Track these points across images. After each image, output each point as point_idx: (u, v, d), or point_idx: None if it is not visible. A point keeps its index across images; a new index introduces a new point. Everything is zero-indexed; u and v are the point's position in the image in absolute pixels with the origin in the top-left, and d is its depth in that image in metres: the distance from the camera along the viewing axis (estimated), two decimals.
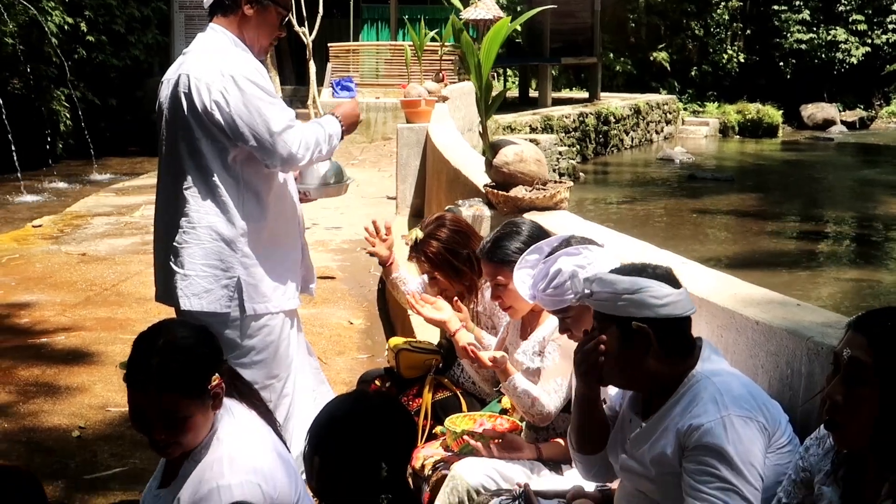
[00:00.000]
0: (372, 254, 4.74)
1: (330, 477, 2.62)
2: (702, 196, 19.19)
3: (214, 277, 3.89)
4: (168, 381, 2.76)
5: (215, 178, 3.85)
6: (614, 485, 3.14)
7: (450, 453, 3.86)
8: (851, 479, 2.35)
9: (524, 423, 3.87)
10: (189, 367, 2.81)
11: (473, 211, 5.05)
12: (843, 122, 33.66)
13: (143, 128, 17.96)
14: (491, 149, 5.08)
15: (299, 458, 3.16)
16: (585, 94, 27.13)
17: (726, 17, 35.40)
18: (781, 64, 35.38)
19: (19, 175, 14.22)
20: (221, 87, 3.76)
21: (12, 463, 4.98)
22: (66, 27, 17.32)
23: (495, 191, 5.06)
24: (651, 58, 34.03)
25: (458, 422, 3.90)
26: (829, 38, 34.97)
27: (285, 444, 3.15)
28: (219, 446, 2.88)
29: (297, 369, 4.19)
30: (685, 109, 31.97)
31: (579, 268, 3.35)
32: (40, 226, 11.30)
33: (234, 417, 2.96)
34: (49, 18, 16.61)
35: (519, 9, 23.88)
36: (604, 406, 3.08)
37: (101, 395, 6.07)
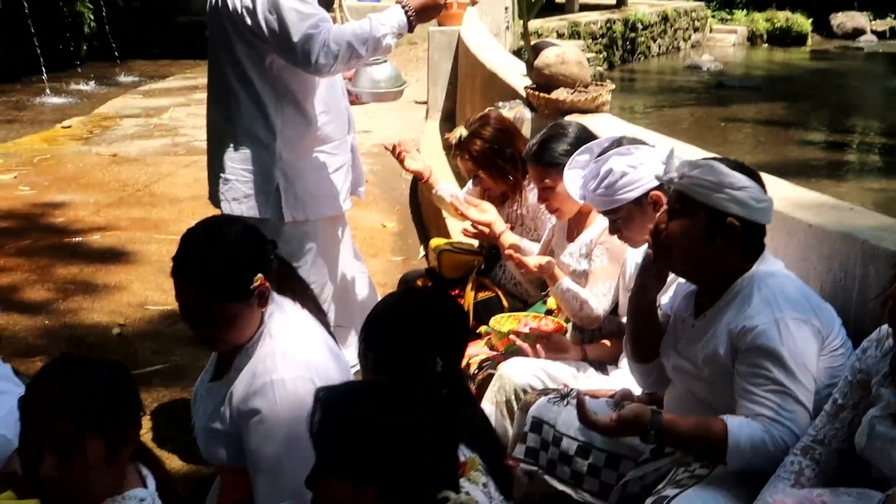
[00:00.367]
0: (408, 170, 4.70)
1: (384, 372, 2.61)
2: (729, 104, 18.95)
3: (253, 183, 3.91)
4: (207, 284, 2.76)
5: (254, 85, 3.84)
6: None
7: (495, 352, 3.89)
8: None
9: (569, 323, 3.89)
10: (229, 268, 2.78)
11: (514, 113, 5.01)
12: (873, 32, 33.03)
13: (167, 30, 17.83)
14: (532, 50, 5.03)
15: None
16: (612, 0, 26.69)
17: None
18: None
19: (45, 77, 14.17)
20: None
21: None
22: None
23: (536, 93, 5.02)
24: None
25: (503, 322, 3.92)
26: None
27: (335, 341, 3.18)
28: (271, 341, 2.89)
29: (342, 273, 4.20)
30: (713, 17, 31.41)
31: (630, 167, 3.34)
32: (69, 127, 11.27)
33: (285, 314, 2.97)
34: None
35: None
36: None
37: (139, 293, 6.13)
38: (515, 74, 6.30)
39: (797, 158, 14.18)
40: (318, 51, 3.64)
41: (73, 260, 6.72)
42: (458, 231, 5.73)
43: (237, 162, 3.93)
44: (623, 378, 3.47)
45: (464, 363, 3.93)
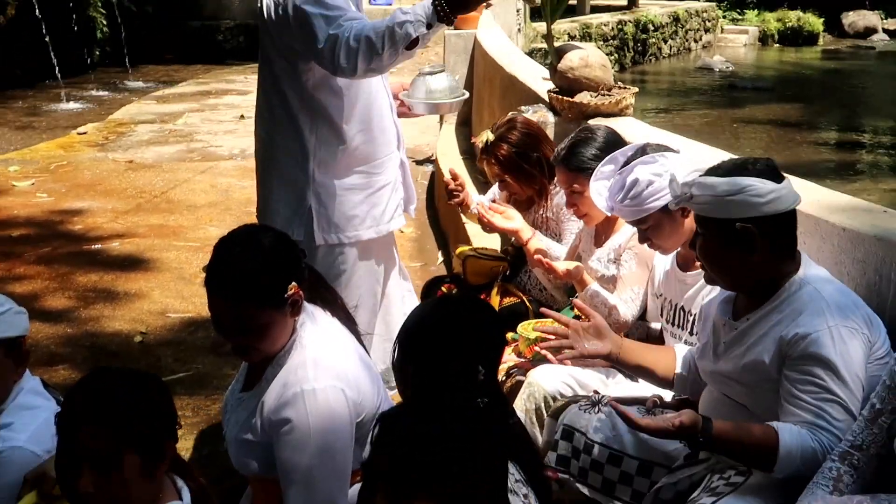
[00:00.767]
0: (457, 203, 4.55)
1: (427, 384, 2.57)
2: (742, 105, 18.91)
3: (287, 203, 3.80)
4: (242, 291, 2.74)
5: (290, 102, 3.72)
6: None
7: (522, 359, 3.86)
8: None
9: None
10: (264, 276, 2.77)
11: (538, 117, 4.97)
12: (884, 31, 32.96)
13: (179, 35, 17.85)
14: (556, 53, 5.01)
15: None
16: (624, 1, 26.65)
17: None
18: None
19: (60, 82, 14.20)
20: None
21: (78, 367, 5.07)
22: None
23: (559, 96, 4.99)
24: None
25: (530, 328, 3.90)
26: None
27: (367, 352, 3.16)
28: (302, 351, 2.88)
29: (388, 293, 4.09)
30: (724, 17, 31.36)
31: (656, 176, 3.32)
32: (85, 133, 11.27)
33: (316, 323, 2.96)
34: None
35: None
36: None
37: (160, 300, 6.12)
38: (536, 78, 6.26)
39: (810, 159, 14.14)
40: (340, 52, 3.44)
41: (93, 267, 6.71)
42: (477, 237, 5.73)
43: (274, 179, 3.84)
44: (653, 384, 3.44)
45: None
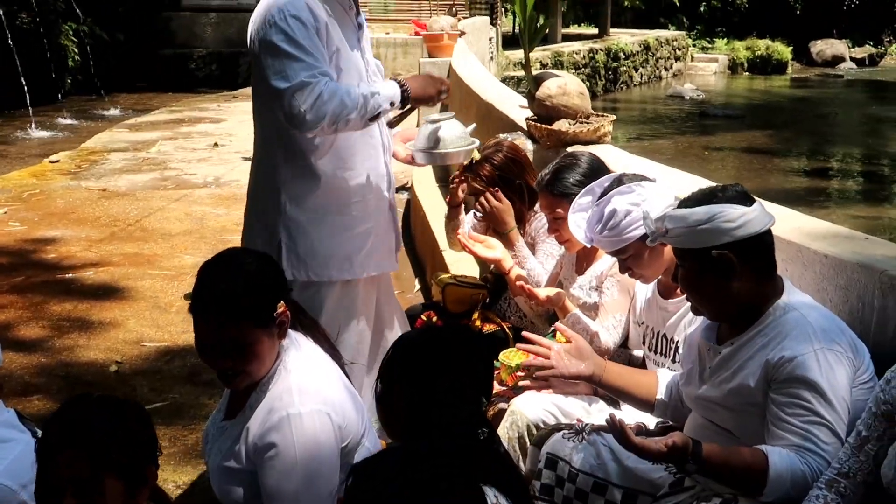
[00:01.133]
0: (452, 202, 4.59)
1: (425, 417, 2.46)
2: (713, 133, 19.12)
3: (260, 233, 3.77)
4: (230, 310, 2.73)
5: (269, 133, 3.69)
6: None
7: (504, 387, 3.85)
8: None
9: None
10: (255, 293, 2.77)
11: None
12: (852, 59, 33.45)
13: (151, 63, 17.83)
14: (534, 81, 5.02)
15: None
16: (594, 31, 26.90)
17: None
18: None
19: (30, 111, 14.13)
20: (263, 25, 3.49)
21: (53, 397, 5.00)
22: None
23: (538, 124, 5.00)
24: None
25: (511, 356, 3.88)
26: None
27: (350, 380, 3.14)
28: (287, 377, 2.86)
29: (378, 338, 4.01)
30: (694, 46, 31.72)
31: (633, 205, 3.32)
32: (57, 161, 11.22)
33: (300, 349, 2.94)
34: None
35: None
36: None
37: (136, 329, 6.07)
38: (513, 106, 6.28)
39: (780, 186, 14.28)
40: (306, 99, 3.38)
41: (67, 296, 6.66)
42: (455, 264, 5.72)
43: (252, 208, 3.84)
44: (636, 411, 3.43)
45: None
